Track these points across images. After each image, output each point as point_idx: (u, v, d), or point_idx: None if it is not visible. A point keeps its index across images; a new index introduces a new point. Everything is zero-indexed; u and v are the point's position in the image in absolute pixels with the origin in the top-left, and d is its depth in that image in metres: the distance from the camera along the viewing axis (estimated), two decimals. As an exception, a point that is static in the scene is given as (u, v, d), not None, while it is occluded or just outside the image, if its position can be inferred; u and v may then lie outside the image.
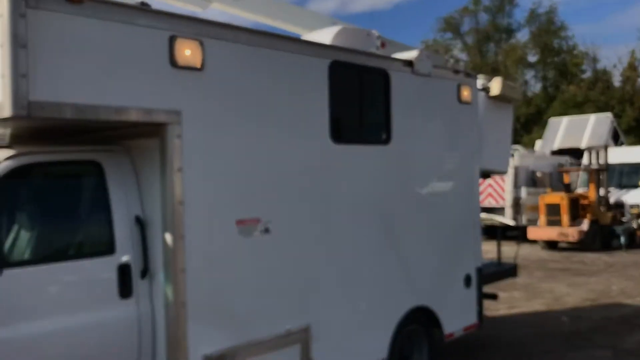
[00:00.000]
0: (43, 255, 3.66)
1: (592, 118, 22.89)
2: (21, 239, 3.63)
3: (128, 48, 3.70)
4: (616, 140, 23.10)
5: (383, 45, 6.53)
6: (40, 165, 3.75)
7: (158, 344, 4.01)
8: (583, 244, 16.31)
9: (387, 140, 5.45)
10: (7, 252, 3.50)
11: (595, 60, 42.88)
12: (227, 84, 4.22)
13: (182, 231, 3.95)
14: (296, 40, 4.96)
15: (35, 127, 3.96)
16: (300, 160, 4.74)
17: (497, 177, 17.71)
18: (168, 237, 3.93)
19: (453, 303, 6.22)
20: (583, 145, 21.32)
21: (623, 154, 19.46)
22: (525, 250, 16.16)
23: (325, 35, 5.59)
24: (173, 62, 3.91)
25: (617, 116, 34.01)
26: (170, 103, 3.90)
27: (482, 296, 6.67)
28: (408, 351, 5.90)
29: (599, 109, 34.75)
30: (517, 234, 16.78)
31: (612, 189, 18.26)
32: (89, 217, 3.96)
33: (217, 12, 6.23)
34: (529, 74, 45.48)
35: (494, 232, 8.25)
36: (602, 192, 17.27)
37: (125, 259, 3.92)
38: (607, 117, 22.86)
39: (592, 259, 15.10)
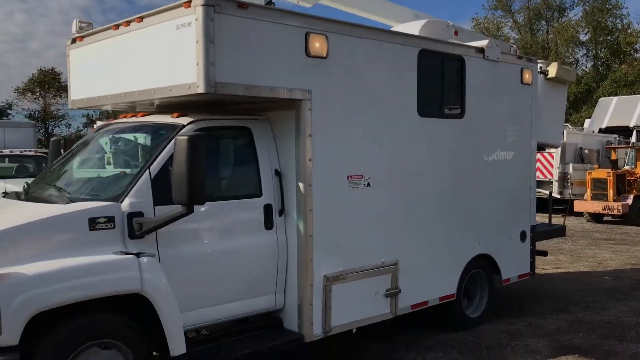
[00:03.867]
0: (219, 194, 4.96)
1: (642, 98, 23.36)
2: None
3: (278, 42, 4.94)
4: (666, 120, 23.50)
5: (456, 33, 7.64)
6: (210, 129, 5.01)
7: (290, 265, 5.31)
8: (627, 218, 17.12)
9: (461, 115, 6.60)
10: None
11: (649, 38, 42.52)
12: (344, 69, 5.42)
13: (310, 181, 5.21)
14: (394, 33, 6.13)
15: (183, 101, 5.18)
16: (394, 130, 5.94)
17: (545, 153, 18.54)
18: (301, 185, 5.19)
19: (510, 254, 7.36)
20: (632, 123, 21.88)
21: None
22: (571, 222, 17.09)
23: (414, 27, 6.73)
24: (307, 52, 5.13)
25: (669, 96, 34.09)
26: (304, 84, 5.13)
27: (534, 251, 7.79)
28: (472, 291, 7.11)
29: (651, 88, 34.84)
30: (563, 207, 17.70)
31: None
32: (243, 169, 5.26)
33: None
34: (580, 53, 45.39)
35: (540, 205, 9.21)
36: (648, 169, 17.96)
37: (268, 200, 5.21)
38: (657, 97, 23.30)
39: (636, 231, 15.95)
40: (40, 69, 43.93)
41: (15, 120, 37.53)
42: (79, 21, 6.05)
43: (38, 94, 43.92)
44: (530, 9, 46.06)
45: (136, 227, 4.36)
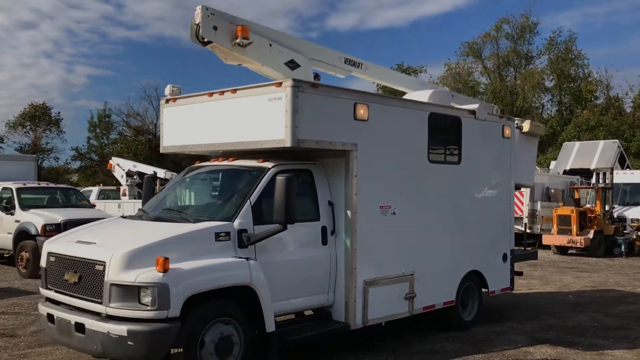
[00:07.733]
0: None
1: (601, 143, 26.01)
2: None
3: (336, 110, 6.92)
4: (623, 163, 26.06)
5: (452, 96, 9.75)
6: (286, 171, 6.90)
7: (339, 272, 7.18)
8: (589, 250, 19.37)
9: (459, 162, 8.63)
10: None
11: (608, 87, 45.81)
12: (379, 128, 7.42)
13: (355, 210, 7.13)
14: (412, 101, 8.20)
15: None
16: (411, 173, 7.93)
17: (516, 192, 20.76)
18: (348, 213, 7.12)
19: (495, 271, 9.34)
20: (592, 166, 24.38)
21: (626, 176, 22.54)
22: (539, 254, 19.16)
23: (424, 95, 8.80)
24: (355, 117, 7.12)
25: (627, 140, 36.99)
26: (353, 139, 7.10)
27: (513, 270, 9.78)
28: (466, 299, 9.02)
29: (611, 133, 37.64)
30: (533, 241, 19.90)
31: (616, 205, 21.33)
32: (307, 199, 7.13)
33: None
34: (546, 98, 48.59)
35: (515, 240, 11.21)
36: (607, 207, 20.32)
37: (324, 223, 7.11)
38: (614, 143, 25.95)
39: (596, 261, 18.17)
40: (32, 104, 45.42)
41: (13, 153, 38.79)
42: (172, 86, 7.96)
43: (28, 127, 45.27)
44: (499, 56, 49.15)
45: (245, 240, 6.24)
